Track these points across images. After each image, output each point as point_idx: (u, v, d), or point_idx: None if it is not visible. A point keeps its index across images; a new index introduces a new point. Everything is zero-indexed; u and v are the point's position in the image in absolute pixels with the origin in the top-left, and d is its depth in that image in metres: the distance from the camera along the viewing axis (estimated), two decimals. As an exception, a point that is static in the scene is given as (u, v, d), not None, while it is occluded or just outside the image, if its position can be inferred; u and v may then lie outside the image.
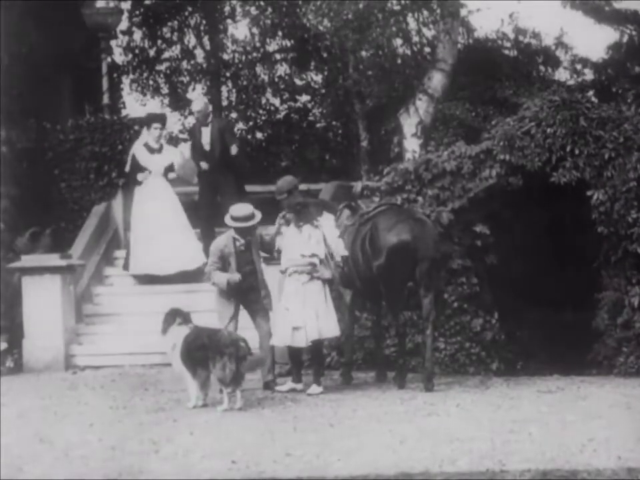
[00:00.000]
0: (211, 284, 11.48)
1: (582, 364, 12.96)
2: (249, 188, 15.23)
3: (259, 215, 11.39)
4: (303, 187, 14.15)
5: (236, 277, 11.22)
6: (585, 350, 13.15)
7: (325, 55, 20.10)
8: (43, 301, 13.41)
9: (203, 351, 10.34)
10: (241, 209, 11.40)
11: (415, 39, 17.38)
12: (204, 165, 14.77)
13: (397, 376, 11.71)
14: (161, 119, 15.38)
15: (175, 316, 10.63)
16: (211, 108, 15.19)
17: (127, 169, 14.94)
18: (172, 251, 14.48)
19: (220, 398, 10.37)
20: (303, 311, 11.12)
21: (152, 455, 8.63)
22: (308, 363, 11.76)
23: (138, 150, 14.75)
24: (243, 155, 15.66)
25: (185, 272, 14.45)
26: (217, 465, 8.28)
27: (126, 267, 14.78)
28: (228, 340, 10.37)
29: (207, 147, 14.85)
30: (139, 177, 14.66)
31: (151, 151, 14.73)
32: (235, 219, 11.32)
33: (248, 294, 11.41)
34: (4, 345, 13.35)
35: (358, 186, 14.17)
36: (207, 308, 12.87)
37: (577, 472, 8.02)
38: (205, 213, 14.86)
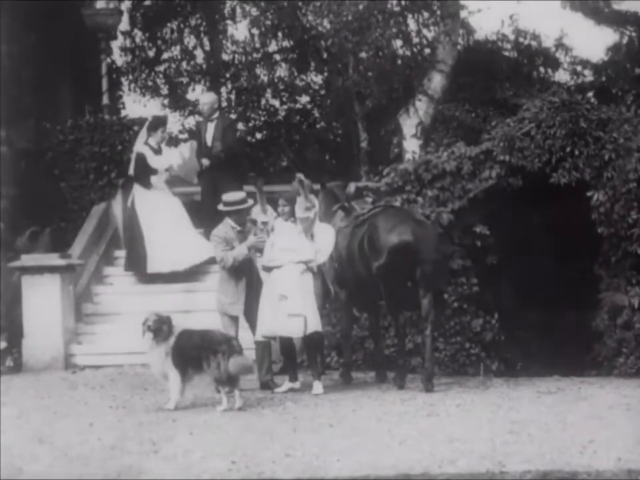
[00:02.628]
0: (228, 267, 11.33)
1: (582, 365, 12.96)
2: (249, 188, 15.20)
3: (250, 201, 11.49)
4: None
5: (253, 240, 11.21)
6: (584, 351, 13.15)
7: (324, 56, 20.08)
8: (42, 301, 13.41)
9: (196, 352, 10.31)
10: (232, 194, 11.57)
11: (415, 40, 17.39)
12: (205, 162, 14.75)
13: (396, 376, 11.71)
14: (164, 122, 15.41)
15: (171, 321, 10.56)
16: (217, 104, 15.18)
17: (131, 171, 14.90)
18: (184, 247, 14.49)
19: (219, 398, 10.36)
20: (303, 300, 11.09)
21: (151, 454, 8.62)
22: (307, 362, 11.79)
23: (145, 151, 14.72)
24: (242, 153, 15.62)
25: (196, 266, 14.47)
26: (217, 465, 8.27)
27: (129, 267, 14.74)
28: (221, 338, 10.37)
29: (209, 143, 14.83)
30: (154, 180, 14.64)
31: (155, 151, 14.73)
32: (226, 203, 11.44)
33: (250, 278, 11.38)
34: (3, 344, 13.36)
35: (351, 187, 14.17)
36: (206, 308, 12.89)
37: (577, 473, 8.01)
38: (207, 213, 14.83)
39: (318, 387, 11.24)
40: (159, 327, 10.44)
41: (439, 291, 12.91)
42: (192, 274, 14.51)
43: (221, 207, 11.53)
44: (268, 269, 11.27)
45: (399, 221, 11.53)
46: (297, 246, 11.24)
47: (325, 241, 11.54)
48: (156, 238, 14.53)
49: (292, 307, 11.04)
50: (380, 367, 12.20)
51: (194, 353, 10.31)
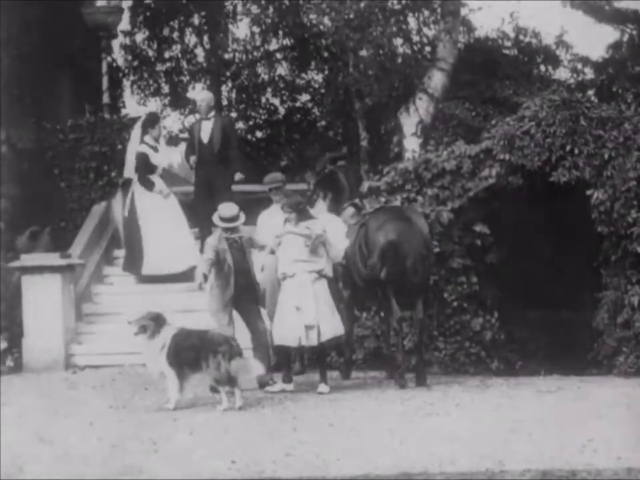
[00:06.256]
0: (200, 284, 11.32)
1: (582, 364, 12.96)
2: (249, 187, 15.22)
3: (243, 217, 11.47)
4: (304, 186, 14.23)
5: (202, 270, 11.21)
6: (584, 349, 13.15)
7: (325, 54, 20.10)
8: (42, 300, 13.40)
9: (194, 352, 10.31)
10: (228, 209, 11.50)
11: (416, 38, 17.45)
12: (193, 159, 14.67)
13: (397, 375, 11.70)
14: (159, 118, 15.38)
15: (161, 318, 10.56)
16: (213, 102, 15.13)
17: (127, 172, 14.88)
18: (181, 249, 14.47)
19: (219, 398, 10.36)
20: (316, 310, 11.15)
21: (152, 454, 8.63)
22: (314, 363, 11.84)
23: (146, 150, 14.68)
24: (242, 156, 15.58)
25: (193, 268, 14.47)
26: (217, 465, 8.29)
27: (126, 267, 14.74)
28: (221, 338, 10.39)
29: (205, 141, 14.76)
30: (162, 192, 14.61)
31: (154, 149, 14.72)
32: (222, 219, 11.43)
33: (242, 293, 11.40)
34: (4, 344, 13.34)
35: (364, 185, 14.20)
36: (207, 308, 12.86)
37: (577, 472, 8.02)
38: (201, 212, 14.80)
39: (325, 387, 11.27)
40: (143, 325, 10.49)
41: (439, 289, 12.95)
42: (191, 274, 14.50)
43: (216, 219, 11.49)
44: (282, 279, 11.37)
45: (386, 221, 11.60)
46: (309, 256, 11.29)
47: (337, 237, 11.62)
48: (153, 239, 14.51)
49: (307, 318, 11.16)
50: (388, 365, 12.19)
51: (191, 352, 10.31)
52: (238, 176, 14.65)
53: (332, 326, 11.25)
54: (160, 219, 14.56)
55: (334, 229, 11.78)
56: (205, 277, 11.25)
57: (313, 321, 11.15)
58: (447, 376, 12.43)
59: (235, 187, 14.71)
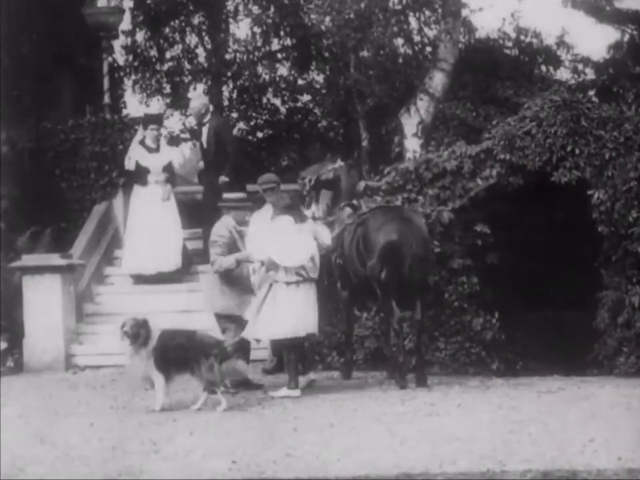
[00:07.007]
0: (217, 271, 11.35)
1: (582, 364, 12.96)
2: (249, 188, 15.20)
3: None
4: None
5: (244, 255, 11.20)
6: (585, 350, 13.14)
7: (326, 54, 20.10)
8: (43, 301, 13.41)
9: (181, 352, 10.24)
10: (234, 194, 11.77)
11: (416, 38, 17.42)
12: (200, 164, 14.83)
13: (397, 376, 11.70)
14: (158, 119, 15.41)
15: (148, 323, 10.46)
16: (207, 108, 15.11)
17: (127, 165, 14.91)
18: (160, 251, 14.49)
19: (218, 399, 10.35)
20: (254, 306, 11.07)
21: (152, 454, 8.63)
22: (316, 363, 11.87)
23: (135, 150, 14.73)
24: (240, 156, 15.60)
25: (163, 273, 14.48)
26: (217, 465, 8.28)
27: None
28: (212, 341, 10.34)
29: (205, 145, 14.84)
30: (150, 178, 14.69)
31: (149, 150, 14.73)
32: (226, 200, 11.64)
33: (246, 284, 11.39)
34: (4, 345, 13.36)
35: (360, 185, 14.21)
36: (219, 309, 12.86)
37: (578, 472, 8.01)
38: (206, 213, 14.82)
39: (283, 391, 11.01)
40: (137, 332, 10.35)
41: (440, 289, 12.95)
42: (180, 274, 14.57)
43: (221, 202, 11.63)
44: None
45: (386, 221, 11.60)
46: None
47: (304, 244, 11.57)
48: (135, 238, 14.55)
49: (248, 311, 11.14)
50: (390, 365, 12.19)
51: (178, 353, 10.22)
52: (222, 179, 14.68)
53: (273, 327, 10.98)
54: (147, 219, 14.58)
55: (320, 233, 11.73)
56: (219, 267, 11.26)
57: (248, 315, 11.06)
58: (448, 376, 12.42)
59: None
